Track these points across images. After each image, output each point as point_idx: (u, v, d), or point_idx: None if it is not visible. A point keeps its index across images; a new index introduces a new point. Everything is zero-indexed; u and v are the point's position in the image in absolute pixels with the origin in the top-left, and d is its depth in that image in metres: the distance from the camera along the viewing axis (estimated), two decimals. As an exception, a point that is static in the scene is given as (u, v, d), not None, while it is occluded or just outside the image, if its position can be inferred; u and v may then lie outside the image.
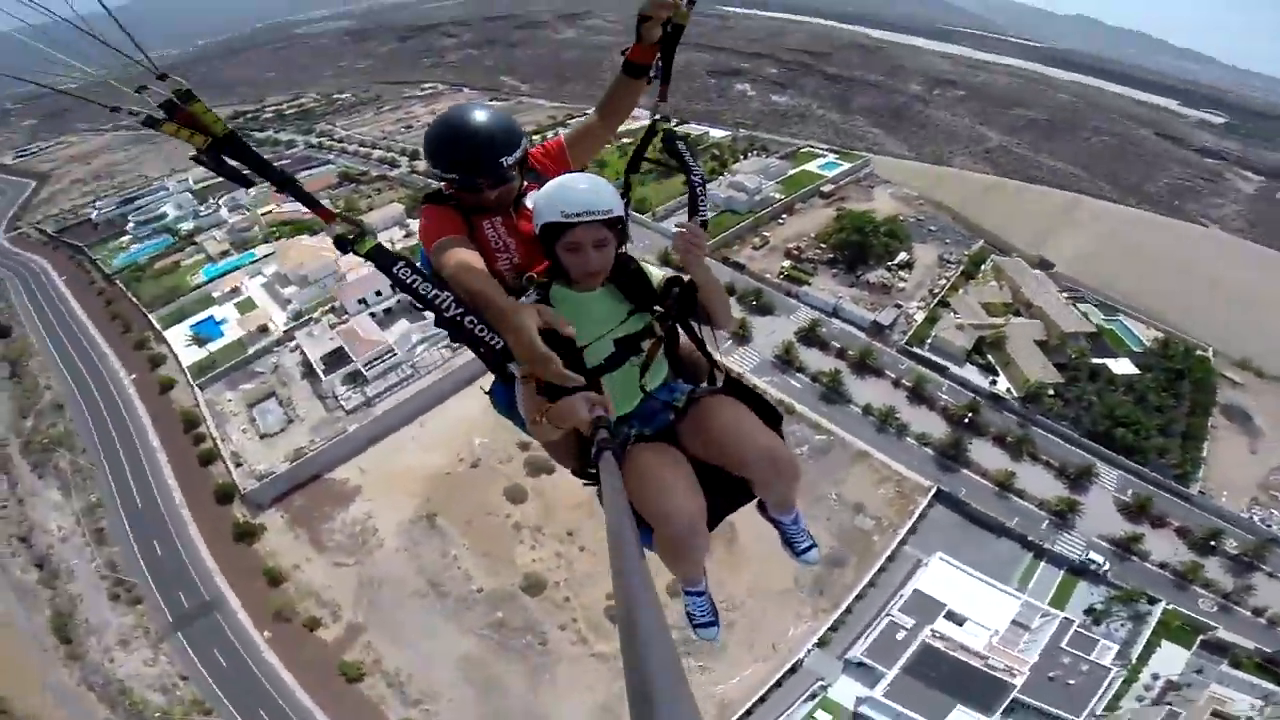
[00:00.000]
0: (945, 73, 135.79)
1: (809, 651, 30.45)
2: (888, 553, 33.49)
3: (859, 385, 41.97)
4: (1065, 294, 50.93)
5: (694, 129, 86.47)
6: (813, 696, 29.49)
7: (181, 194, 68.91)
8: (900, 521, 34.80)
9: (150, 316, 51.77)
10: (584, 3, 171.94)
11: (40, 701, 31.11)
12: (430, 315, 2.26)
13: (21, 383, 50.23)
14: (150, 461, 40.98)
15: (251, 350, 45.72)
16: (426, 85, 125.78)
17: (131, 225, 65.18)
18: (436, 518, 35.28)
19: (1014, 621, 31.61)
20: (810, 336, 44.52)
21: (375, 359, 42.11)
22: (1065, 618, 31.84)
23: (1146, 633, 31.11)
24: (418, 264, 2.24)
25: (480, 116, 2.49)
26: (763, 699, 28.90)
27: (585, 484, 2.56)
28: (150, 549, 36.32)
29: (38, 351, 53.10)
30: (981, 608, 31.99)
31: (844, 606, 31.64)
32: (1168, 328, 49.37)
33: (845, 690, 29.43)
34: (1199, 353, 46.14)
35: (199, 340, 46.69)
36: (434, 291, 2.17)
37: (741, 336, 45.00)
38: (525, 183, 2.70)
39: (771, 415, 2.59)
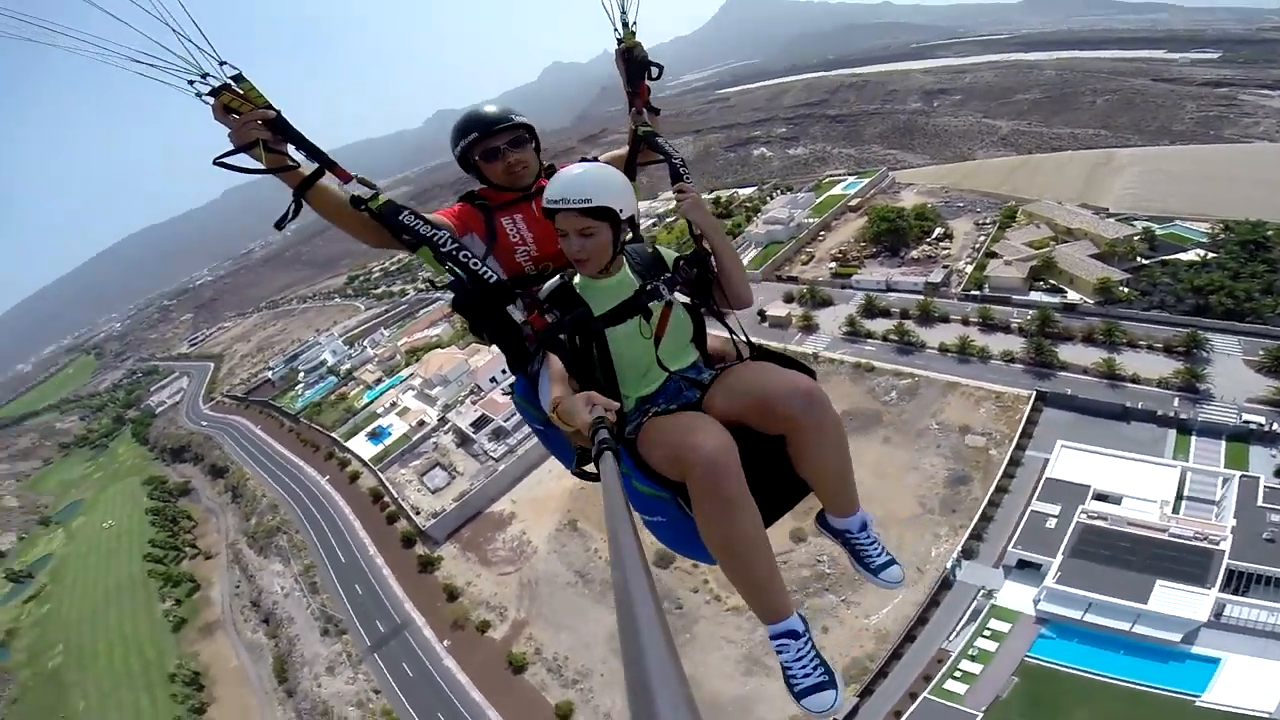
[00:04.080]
0: (935, 84, 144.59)
1: (958, 562, 30.23)
2: (1007, 458, 34.16)
3: (928, 333, 45.29)
4: (1110, 218, 53.02)
5: (722, 194, 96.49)
6: (978, 611, 28.00)
7: (334, 343, 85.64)
8: (1012, 431, 35.82)
9: (333, 435, 64.39)
10: (597, 123, 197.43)
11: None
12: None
13: (242, 498, 63.51)
14: (348, 528, 50.58)
15: (415, 439, 56.19)
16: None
17: (302, 375, 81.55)
18: (578, 523, 40.97)
19: (1189, 497, 29.45)
20: (871, 309, 49.14)
21: (512, 414, 51.10)
22: (1246, 475, 29.11)
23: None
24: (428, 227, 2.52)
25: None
26: (923, 620, 28.26)
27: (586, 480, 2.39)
28: (353, 591, 44.09)
29: (250, 477, 66.62)
30: (1134, 482, 30.14)
31: (979, 513, 31.80)
32: (1231, 220, 47.19)
33: (1014, 595, 28.30)
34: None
35: (374, 435, 58.16)
36: (434, 232, 2.49)
37: (807, 328, 50.58)
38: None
39: (804, 371, 2.44)
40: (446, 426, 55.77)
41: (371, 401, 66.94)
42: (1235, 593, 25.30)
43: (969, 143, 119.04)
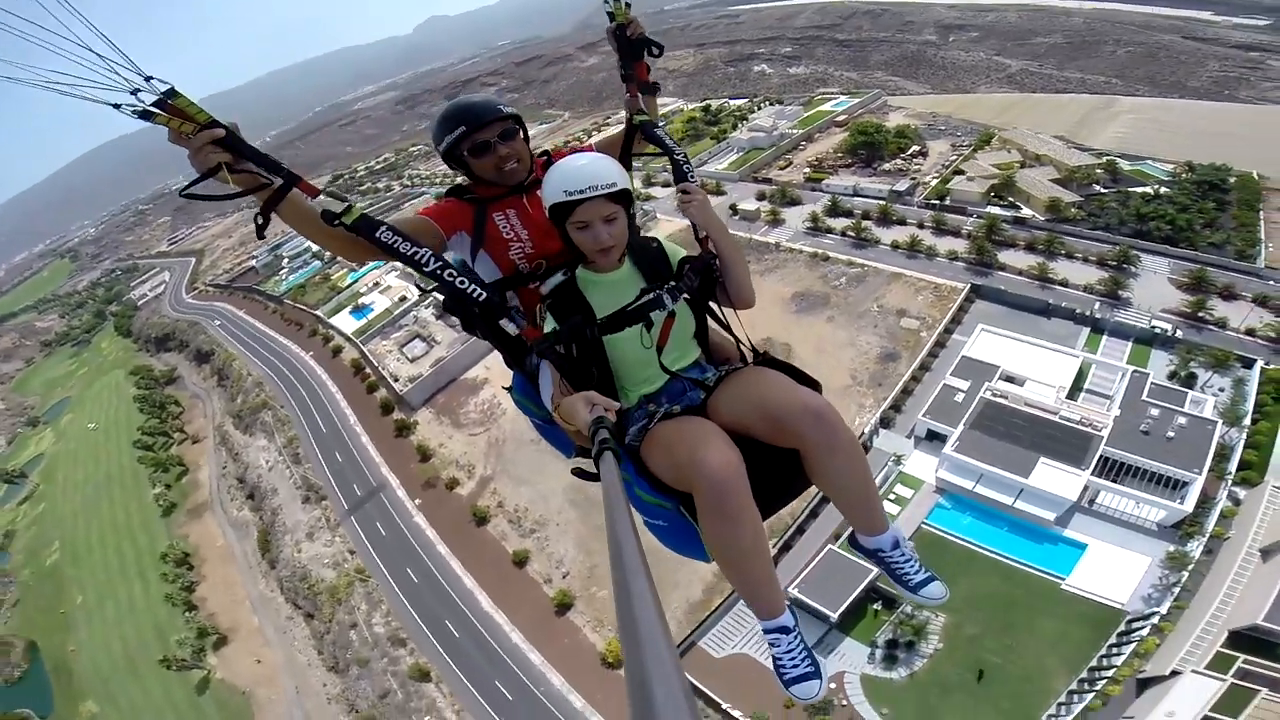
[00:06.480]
0: (954, 19, 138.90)
1: (876, 430, 32.88)
2: (933, 339, 37.50)
3: (885, 232, 47.94)
4: (1079, 151, 54.06)
5: (713, 103, 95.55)
6: (887, 477, 30.52)
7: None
8: (943, 316, 39.03)
9: (317, 313, 66.67)
10: (598, 32, 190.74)
11: (243, 612, 39.93)
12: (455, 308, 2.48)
13: (229, 380, 65.75)
14: (330, 400, 53.28)
15: (396, 313, 58.68)
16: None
17: (286, 261, 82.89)
18: (546, 385, 44.63)
19: (1088, 389, 31.68)
20: (835, 209, 51.38)
21: (491, 288, 53.62)
22: (1137, 370, 31.09)
23: (1252, 392, 29.44)
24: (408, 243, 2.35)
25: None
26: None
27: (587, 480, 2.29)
28: (333, 459, 46.40)
29: (237, 358, 68.71)
30: (1039, 367, 32.67)
31: (899, 386, 34.91)
32: (1197, 162, 47.31)
33: (920, 464, 30.87)
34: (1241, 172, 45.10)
35: (358, 308, 60.97)
36: (414, 250, 2.32)
37: (774, 221, 52.77)
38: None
39: (810, 384, 2.39)
40: (427, 301, 57.81)
41: (355, 281, 68.92)
42: (1107, 479, 27.44)
43: (974, 78, 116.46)
